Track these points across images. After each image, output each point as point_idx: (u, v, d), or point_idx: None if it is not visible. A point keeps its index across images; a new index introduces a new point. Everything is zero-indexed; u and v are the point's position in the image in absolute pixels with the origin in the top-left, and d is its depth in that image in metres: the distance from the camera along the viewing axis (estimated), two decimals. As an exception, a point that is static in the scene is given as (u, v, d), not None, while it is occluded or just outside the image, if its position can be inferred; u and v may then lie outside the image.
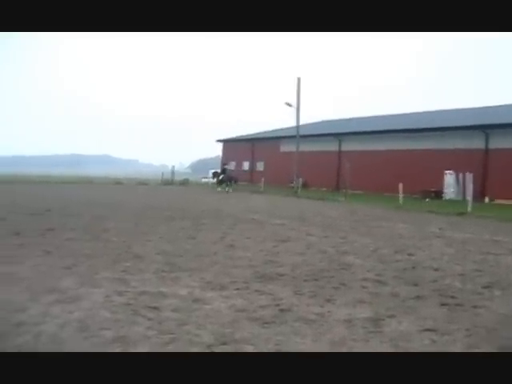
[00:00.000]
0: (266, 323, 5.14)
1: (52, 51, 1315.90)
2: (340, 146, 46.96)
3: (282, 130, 59.95)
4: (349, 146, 45.93)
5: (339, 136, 47.14)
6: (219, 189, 40.92)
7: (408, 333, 4.94)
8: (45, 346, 4.22)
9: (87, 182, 48.73)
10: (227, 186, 41.20)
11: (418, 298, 6.44)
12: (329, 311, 5.68)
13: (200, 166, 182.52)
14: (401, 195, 28.43)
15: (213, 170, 48.72)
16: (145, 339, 4.50)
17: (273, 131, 62.22)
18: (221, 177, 42.75)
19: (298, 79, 39.19)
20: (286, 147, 52.17)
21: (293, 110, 39.68)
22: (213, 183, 52.58)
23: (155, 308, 5.53)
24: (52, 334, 4.55)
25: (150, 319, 5.12)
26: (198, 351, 4.20)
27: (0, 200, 21.71)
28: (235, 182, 44.01)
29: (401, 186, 28.72)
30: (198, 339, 4.55)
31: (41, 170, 77.03)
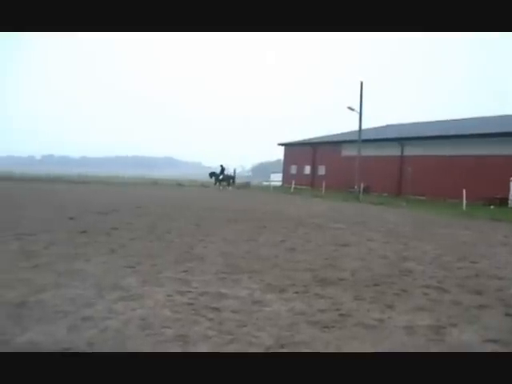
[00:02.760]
0: (326, 327, 5.13)
1: (116, 51, 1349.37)
2: (402, 150, 46.10)
3: (343, 134, 59.44)
4: (411, 150, 45.00)
5: (402, 141, 46.26)
6: (221, 187, 45.80)
7: (470, 343, 4.82)
8: (109, 342, 4.39)
9: (151, 184, 49.98)
10: (228, 184, 45.92)
11: (481, 307, 6.25)
12: (389, 317, 5.62)
13: (261, 169, 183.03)
14: (464, 201, 27.70)
15: (210, 171, 49.83)
16: (205, 339, 4.59)
17: (334, 135, 61.76)
18: (221, 176, 46.69)
19: (361, 83, 38.79)
20: (347, 151, 51.69)
21: (355, 114, 39.30)
22: (274, 186, 53.14)
23: (215, 308, 5.62)
24: (116, 330, 4.72)
25: (210, 319, 5.21)
26: (233, 351, 4.25)
27: (70, 200, 22.55)
28: (233, 181, 47.65)
29: (464, 192, 27.99)
30: (257, 341, 4.60)
31: (107, 171, 79.16)
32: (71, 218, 14.05)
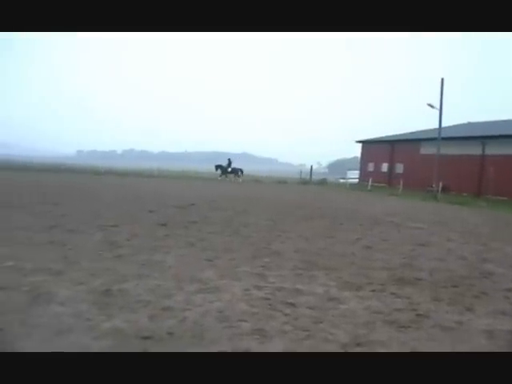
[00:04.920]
0: (402, 327, 5.05)
1: (209, 51, 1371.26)
2: (484, 149, 44.38)
3: (422, 131, 57.86)
4: (493, 149, 43.12)
5: (483, 139, 44.54)
6: (227, 179, 47.07)
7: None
8: (188, 333, 4.50)
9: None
10: (235, 176, 47.18)
11: None
12: (468, 320, 5.47)
13: (337, 166, 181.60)
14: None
15: (217, 163, 49.85)
16: (281, 334, 4.62)
17: (413, 133, 60.20)
18: (229, 169, 47.77)
19: (442, 80, 37.60)
20: (426, 150, 50.32)
21: (435, 112, 38.20)
22: (350, 184, 52.63)
23: (291, 304, 5.64)
24: (194, 321, 4.83)
25: (286, 314, 5.24)
26: (306, 351, 4.26)
27: (150, 193, 23.21)
28: (241, 172, 47.93)
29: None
30: (333, 338, 4.59)
31: (185, 166, 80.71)
32: (151, 211, 14.46)
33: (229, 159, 49.05)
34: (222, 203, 19.27)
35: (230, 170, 48.05)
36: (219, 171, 48.03)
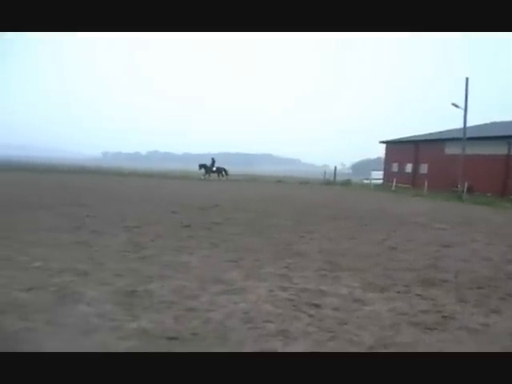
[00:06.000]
0: (428, 329, 5.00)
1: (231, 51, 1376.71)
2: (509, 149, 43.68)
3: (446, 131, 57.10)
4: (520, 149, 42.54)
5: (509, 139, 43.86)
6: (210, 178, 47.05)
7: None
8: (212, 333, 4.51)
9: (252, 180, 50.76)
10: (218, 176, 47.71)
11: None
12: (494, 322, 5.39)
13: (361, 167, 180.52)
14: None
15: (201, 163, 50.00)
16: (305, 335, 4.61)
17: (437, 133, 59.45)
18: (214, 168, 48.20)
19: (466, 79, 37.13)
20: (450, 150, 49.64)
21: (459, 112, 37.75)
22: (374, 184, 52.35)
23: (316, 305, 5.63)
24: (219, 322, 4.85)
25: (310, 316, 5.22)
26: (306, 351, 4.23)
27: (172, 194, 23.35)
28: (225, 172, 48.42)
29: None
30: (358, 339, 4.56)
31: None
32: (174, 212, 14.53)
33: (212, 158, 49.64)
34: (245, 204, 19.28)
35: (214, 169, 48.62)
36: (203, 170, 48.45)
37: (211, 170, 48.33)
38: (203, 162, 49.70)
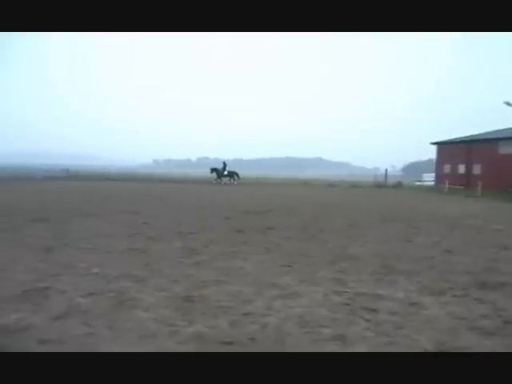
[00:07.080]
0: (489, 334, 4.87)
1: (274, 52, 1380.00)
2: None
3: (500, 131, 55.44)
4: None
5: None
6: (222, 183, 47.53)
7: None
8: (269, 338, 4.51)
9: (302, 184, 50.69)
10: (230, 179, 47.93)
11: None
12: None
13: (412, 169, 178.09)
14: None
15: (212, 167, 50.02)
16: (362, 340, 4.55)
17: (490, 132, 57.89)
18: (226, 172, 48.31)
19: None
20: (505, 149, 48.35)
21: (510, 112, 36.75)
22: (426, 186, 51.47)
23: (372, 310, 5.55)
24: (275, 327, 4.84)
25: (367, 320, 5.16)
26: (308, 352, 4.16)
27: (224, 200, 23.55)
28: (237, 176, 48.72)
29: None
30: (416, 344, 4.47)
31: (260, 173, 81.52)
32: (227, 218, 14.64)
33: (224, 162, 50.00)
34: (297, 209, 19.27)
35: (225, 173, 48.70)
36: (215, 174, 48.65)
37: (223, 173, 48.68)
38: (215, 166, 50.26)
